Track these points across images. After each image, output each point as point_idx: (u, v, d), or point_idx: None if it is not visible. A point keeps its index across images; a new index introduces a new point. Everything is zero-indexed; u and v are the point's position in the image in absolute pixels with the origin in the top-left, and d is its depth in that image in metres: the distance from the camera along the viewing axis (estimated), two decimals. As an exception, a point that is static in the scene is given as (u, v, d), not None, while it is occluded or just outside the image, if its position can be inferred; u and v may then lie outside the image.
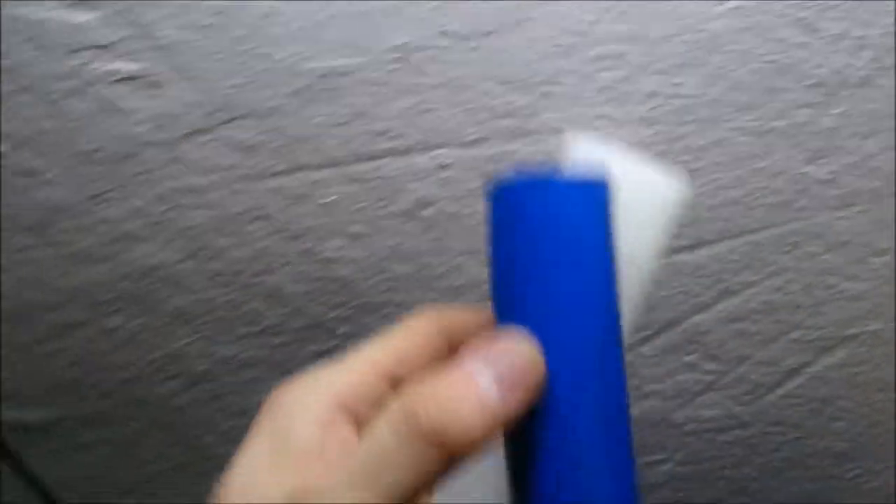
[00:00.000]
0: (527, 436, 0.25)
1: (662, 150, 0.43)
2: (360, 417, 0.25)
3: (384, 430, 0.22)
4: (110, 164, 0.41)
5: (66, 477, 0.57)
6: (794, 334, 0.53)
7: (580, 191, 0.26)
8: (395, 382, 0.26)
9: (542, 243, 0.25)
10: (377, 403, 0.25)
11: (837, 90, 0.41)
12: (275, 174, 0.42)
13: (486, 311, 0.27)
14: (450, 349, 0.27)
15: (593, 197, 0.26)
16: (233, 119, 0.40)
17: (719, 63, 0.40)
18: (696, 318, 0.52)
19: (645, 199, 0.28)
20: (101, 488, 0.57)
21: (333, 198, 0.44)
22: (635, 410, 0.56)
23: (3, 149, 0.40)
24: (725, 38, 0.39)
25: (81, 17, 0.37)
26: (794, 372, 0.55)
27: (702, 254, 0.48)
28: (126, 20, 0.37)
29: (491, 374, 0.22)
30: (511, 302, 0.26)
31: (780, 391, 0.56)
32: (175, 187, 0.42)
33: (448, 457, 0.22)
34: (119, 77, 0.38)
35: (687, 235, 0.47)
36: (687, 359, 0.54)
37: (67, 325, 0.48)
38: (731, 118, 0.42)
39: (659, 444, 0.59)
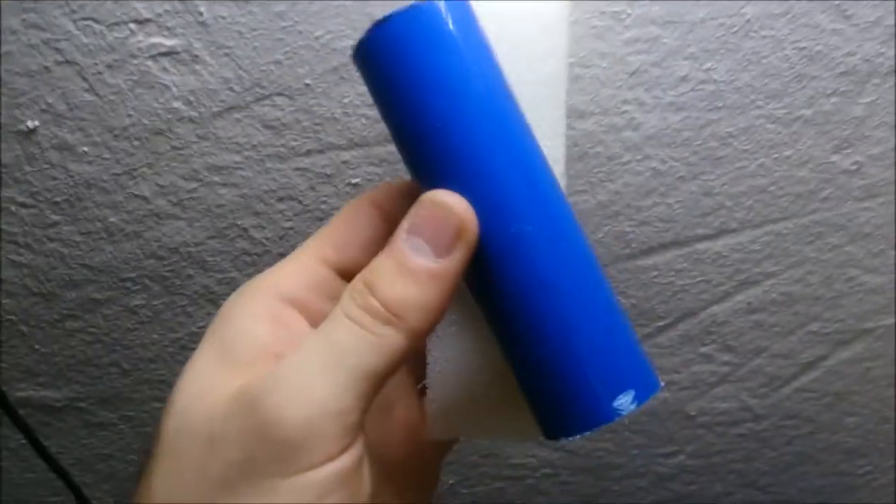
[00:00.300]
0: (483, 275, 0.24)
1: (688, 136, 0.43)
2: (310, 308, 0.25)
3: (341, 321, 0.22)
4: (143, 139, 0.41)
5: (84, 456, 0.57)
6: (812, 327, 0.53)
7: (433, 9, 0.23)
8: (340, 269, 0.26)
9: (414, 79, 0.23)
10: (325, 292, 0.26)
11: (868, 79, 0.42)
12: (303, 153, 0.43)
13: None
14: (388, 223, 0.26)
15: (452, 11, 0.23)
16: (267, 96, 0.40)
17: (752, 48, 0.40)
18: (715, 309, 0.52)
19: (532, 27, 0.27)
20: (120, 468, 0.57)
21: (360, 179, 0.44)
22: (650, 402, 0.56)
23: (38, 122, 0.40)
24: (760, 22, 0.39)
25: (121, -9, 0.37)
26: (809, 365, 0.55)
27: (723, 243, 0.48)
28: (165, -5, 0.37)
29: (426, 245, 0.23)
30: (419, 158, 0.24)
31: (795, 384, 0.56)
32: (205, 165, 0.42)
33: (411, 334, 0.22)
34: (158, 52, 0.38)
35: (709, 224, 0.47)
36: (703, 349, 0.54)
37: (90, 302, 0.48)
38: (760, 105, 0.42)
39: (670, 435, 0.59)
